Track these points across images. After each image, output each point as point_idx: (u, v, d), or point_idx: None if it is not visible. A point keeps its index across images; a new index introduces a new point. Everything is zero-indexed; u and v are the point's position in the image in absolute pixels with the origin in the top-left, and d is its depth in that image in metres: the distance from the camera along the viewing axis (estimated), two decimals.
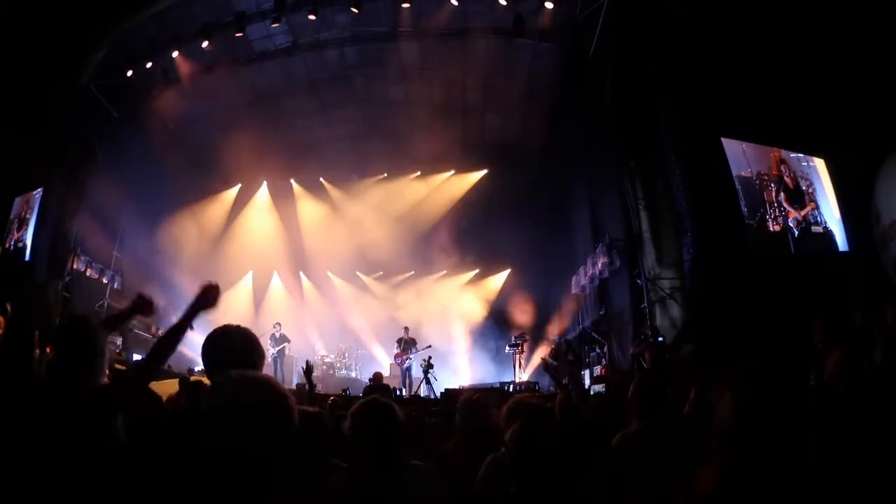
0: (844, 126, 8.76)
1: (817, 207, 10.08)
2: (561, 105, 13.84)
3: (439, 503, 2.61)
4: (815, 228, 9.95)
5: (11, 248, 13.31)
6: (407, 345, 15.51)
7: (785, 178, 10.11)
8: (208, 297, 2.54)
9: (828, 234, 9.97)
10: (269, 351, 14.63)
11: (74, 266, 13.58)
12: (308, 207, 19.21)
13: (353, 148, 18.40)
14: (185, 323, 2.50)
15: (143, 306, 3.17)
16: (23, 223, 13.43)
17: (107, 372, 2.71)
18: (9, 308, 10.57)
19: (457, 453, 3.40)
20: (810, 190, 10.19)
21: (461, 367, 17.35)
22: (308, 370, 4.69)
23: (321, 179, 19.10)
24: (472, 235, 17.45)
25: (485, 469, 2.82)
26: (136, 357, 12.71)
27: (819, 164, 10.34)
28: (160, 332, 15.11)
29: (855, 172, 9.29)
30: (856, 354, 3.92)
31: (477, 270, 18.55)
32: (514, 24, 12.50)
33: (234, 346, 2.35)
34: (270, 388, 1.71)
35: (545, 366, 6.20)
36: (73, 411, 2.25)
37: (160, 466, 2.23)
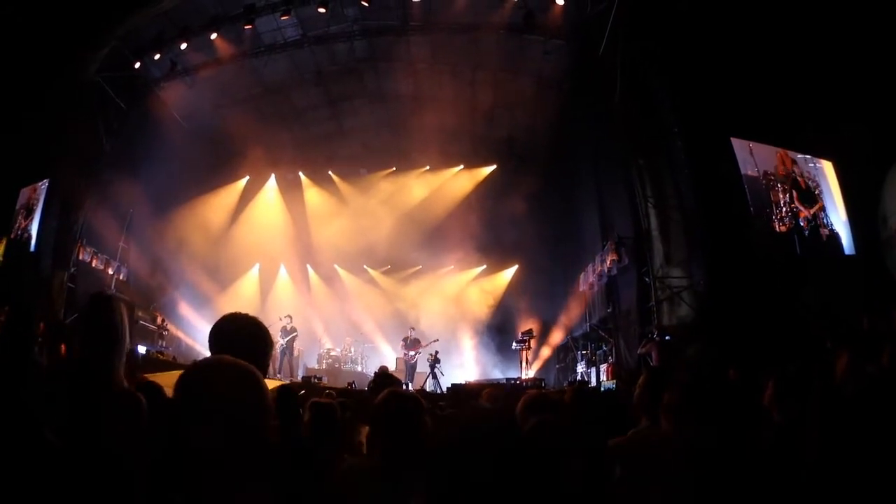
0: (853, 130, 8.67)
1: (824, 208, 10.00)
2: (570, 102, 13.82)
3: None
4: (821, 231, 9.86)
5: (17, 237, 13.33)
6: (412, 344, 15.57)
7: (796, 177, 10.04)
8: None
9: (834, 237, 9.86)
10: (279, 342, 14.76)
11: (80, 257, 13.59)
12: (316, 200, 19.20)
13: (362, 141, 18.50)
14: None
15: None
16: (29, 213, 13.42)
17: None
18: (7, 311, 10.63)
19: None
20: (818, 191, 10.10)
21: (467, 363, 17.41)
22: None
23: (329, 172, 19.11)
24: (480, 231, 17.43)
25: None
26: (141, 349, 12.77)
27: (826, 167, 10.22)
28: (165, 323, 15.24)
29: (862, 176, 9.19)
30: (863, 358, 3.91)
31: (484, 266, 18.57)
32: (524, 19, 12.45)
33: (241, 334, 2.24)
34: (237, 372, 1.55)
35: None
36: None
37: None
